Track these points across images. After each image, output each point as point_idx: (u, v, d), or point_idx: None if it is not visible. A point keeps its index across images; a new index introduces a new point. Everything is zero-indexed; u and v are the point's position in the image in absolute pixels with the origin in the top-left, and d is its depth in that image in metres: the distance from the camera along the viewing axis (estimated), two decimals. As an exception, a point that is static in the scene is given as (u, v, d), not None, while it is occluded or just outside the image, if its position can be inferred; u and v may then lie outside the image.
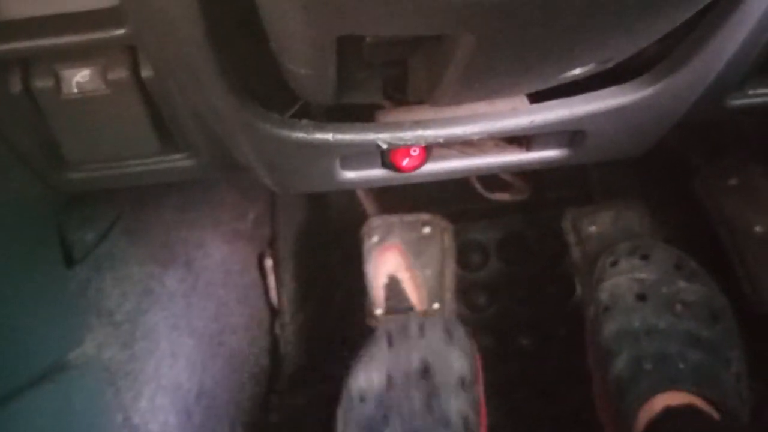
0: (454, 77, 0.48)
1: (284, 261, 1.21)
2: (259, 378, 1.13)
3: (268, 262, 1.20)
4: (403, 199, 1.14)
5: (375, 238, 1.01)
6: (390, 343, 0.92)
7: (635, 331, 0.85)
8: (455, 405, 0.86)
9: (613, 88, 0.61)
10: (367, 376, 0.89)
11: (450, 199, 1.17)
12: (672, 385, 0.79)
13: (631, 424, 0.80)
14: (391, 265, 1.00)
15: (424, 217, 1.03)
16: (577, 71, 0.52)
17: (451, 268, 1.03)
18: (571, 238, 1.05)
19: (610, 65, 0.54)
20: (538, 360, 1.21)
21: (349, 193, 1.22)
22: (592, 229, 1.03)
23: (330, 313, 1.20)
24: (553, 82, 0.56)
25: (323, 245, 1.25)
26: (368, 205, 1.14)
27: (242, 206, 1.21)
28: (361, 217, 1.11)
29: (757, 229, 1.04)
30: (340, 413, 0.88)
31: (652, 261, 0.91)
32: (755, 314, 0.95)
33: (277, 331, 1.19)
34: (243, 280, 1.16)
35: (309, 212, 1.27)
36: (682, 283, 0.88)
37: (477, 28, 0.38)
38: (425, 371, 0.88)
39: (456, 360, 0.90)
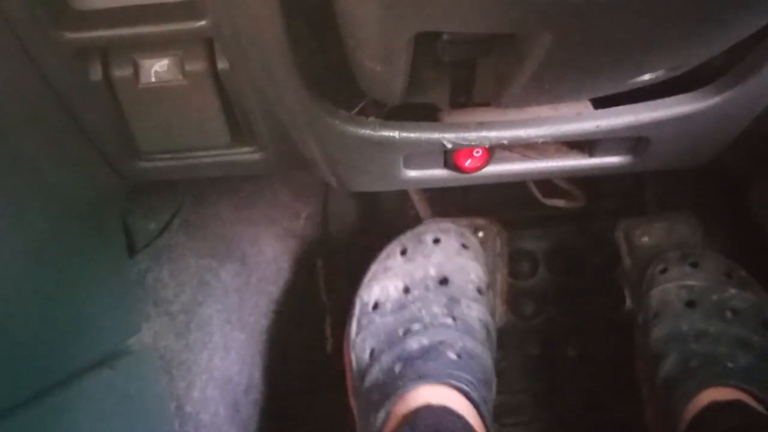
0: (525, 77, 0.49)
1: (335, 261, 1.22)
2: (306, 376, 1.15)
3: (319, 262, 1.21)
4: (454, 204, 1.15)
5: (429, 241, 1.02)
6: (404, 254, 0.91)
7: (684, 334, 0.84)
8: (476, 311, 0.86)
9: (680, 96, 0.61)
10: (383, 286, 0.88)
11: (500, 207, 1.17)
12: (720, 381, 0.78)
13: (677, 421, 0.79)
14: (444, 268, 1.00)
15: (478, 221, 1.03)
16: (646, 77, 0.53)
17: (503, 274, 1.03)
18: (623, 249, 1.05)
19: (679, 72, 0.54)
20: (584, 370, 1.21)
21: (399, 196, 1.23)
22: (645, 240, 1.02)
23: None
24: (621, 88, 0.56)
25: (373, 247, 1.26)
26: (422, 208, 1.14)
27: (295, 206, 1.22)
28: (411, 221, 1.12)
29: (815, 243, 1.03)
30: (353, 324, 0.87)
31: (702, 268, 0.91)
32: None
33: (326, 329, 1.20)
34: (294, 278, 1.17)
35: (360, 214, 1.29)
36: (732, 291, 0.88)
37: (558, 27, 0.39)
38: (443, 280, 0.88)
39: (472, 269, 0.90)
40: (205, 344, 0.94)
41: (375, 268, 0.91)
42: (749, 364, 0.80)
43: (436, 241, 0.92)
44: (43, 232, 0.69)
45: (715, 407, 0.77)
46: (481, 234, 1.02)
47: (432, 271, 0.88)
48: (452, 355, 0.80)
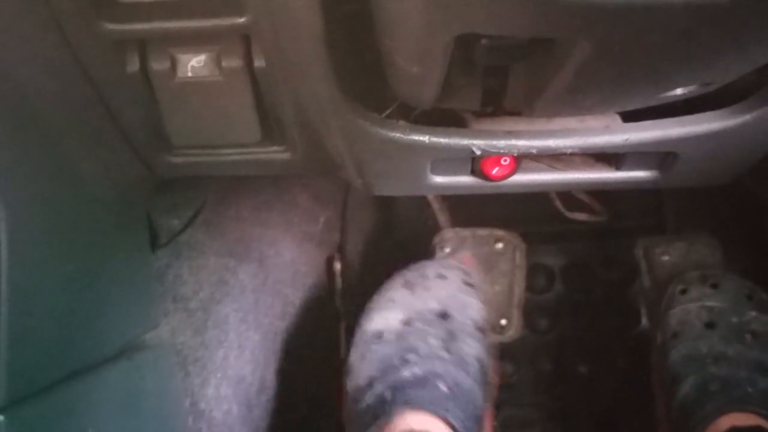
0: (560, 86, 0.49)
1: (352, 266, 1.23)
2: (319, 379, 1.15)
3: (336, 266, 1.21)
4: (473, 215, 1.15)
5: (447, 250, 1.02)
6: (407, 287, 0.91)
7: (703, 356, 0.84)
8: (473, 348, 0.86)
9: (710, 113, 0.61)
10: (384, 317, 0.88)
11: (518, 220, 1.17)
12: (739, 406, 0.78)
13: None
14: (461, 278, 1.00)
15: (498, 232, 1.04)
16: (678, 92, 0.53)
17: (520, 286, 1.03)
18: (643, 267, 1.04)
19: (710, 89, 0.54)
20: (595, 388, 1.20)
21: (418, 205, 1.23)
22: (665, 258, 1.02)
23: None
24: (652, 102, 0.57)
25: (390, 253, 1.26)
26: (441, 216, 1.15)
27: (314, 210, 1.23)
28: (429, 230, 1.12)
29: (833, 272, 1.02)
30: (354, 353, 0.88)
31: (723, 290, 0.91)
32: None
33: (340, 334, 1.20)
34: (310, 282, 1.18)
35: (378, 220, 1.29)
36: (752, 314, 0.87)
37: (596, 34, 0.39)
38: (443, 315, 0.88)
39: (472, 307, 0.90)
40: (221, 342, 0.95)
41: (377, 298, 0.91)
42: None
43: (440, 276, 0.92)
44: (70, 222, 0.70)
45: None
46: (500, 245, 1.03)
47: (433, 305, 0.89)
48: (443, 387, 0.80)
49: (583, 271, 1.24)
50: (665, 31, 0.38)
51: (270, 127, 0.66)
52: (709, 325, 0.88)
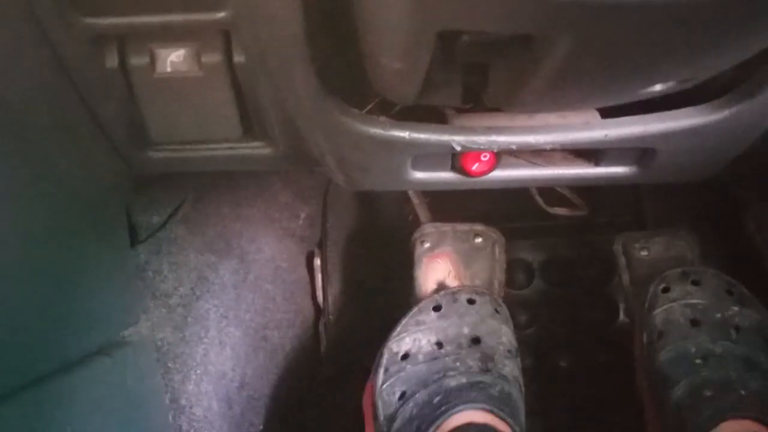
0: (540, 82, 0.49)
1: (332, 262, 1.23)
2: (299, 375, 1.15)
3: (317, 262, 1.21)
4: (453, 211, 1.15)
5: (427, 245, 1.02)
6: (438, 311, 0.91)
7: (692, 356, 0.85)
8: (509, 368, 0.86)
9: (688, 109, 0.62)
10: (415, 338, 0.88)
11: (498, 216, 1.17)
12: (735, 413, 0.78)
13: None
14: (441, 272, 1.00)
15: (477, 227, 1.04)
16: (657, 88, 0.53)
17: (500, 281, 1.04)
18: (622, 262, 1.05)
19: (689, 85, 0.55)
20: (575, 383, 1.21)
21: (398, 200, 1.23)
22: (644, 254, 1.03)
23: (374, 317, 1.21)
24: (631, 98, 0.57)
25: (371, 249, 1.26)
26: (422, 212, 1.15)
27: (295, 206, 1.23)
28: (410, 225, 1.12)
29: (808, 268, 1.03)
30: (380, 373, 0.86)
31: (704, 286, 0.91)
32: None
33: (321, 330, 1.20)
34: (291, 278, 1.17)
35: (359, 216, 1.29)
36: (735, 308, 0.88)
37: (578, 30, 0.39)
38: (476, 340, 0.88)
39: (503, 332, 0.90)
40: (201, 338, 0.94)
41: (406, 321, 0.90)
42: (760, 389, 0.80)
43: (471, 301, 0.92)
44: (48, 219, 0.70)
45: None
46: (480, 240, 1.03)
47: (466, 330, 0.89)
48: (494, 392, 0.81)
49: (562, 266, 1.24)
50: (646, 28, 0.38)
51: (250, 123, 0.66)
52: (695, 323, 0.88)
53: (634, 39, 0.40)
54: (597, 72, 0.48)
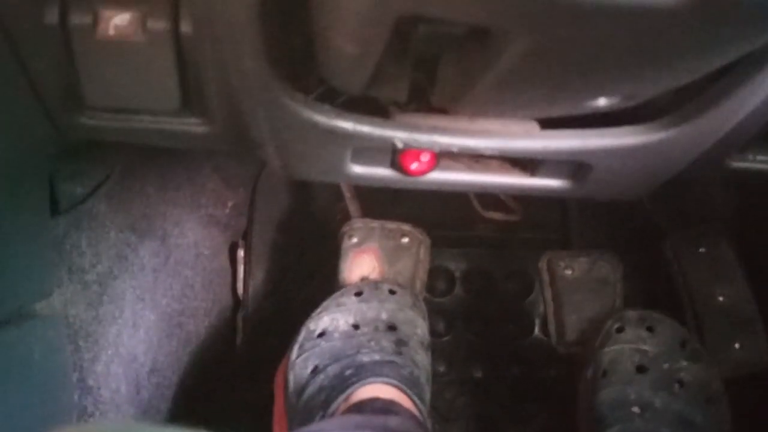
0: (489, 83, 0.50)
1: (256, 253, 1.21)
2: (211, 366, 1.12)
3: (240, 253, 1.19)
4: (385, 210, 1.15)
5: (354, 240, 1.03)
6: (359, 296, 0.92)
7: (630, 403, 0.85)
8: (421, 357, 0.88)
9: (629, 127, 0.63)
10: (333, 318, 0.89)
11: (427, 221, 1.18)
12: None
13: None
14: (366, 268, 1.01)
15: (405, 227, 1.05)
16: (602, 102, 0.54)
17: (422, 281, 1.05)
18: (545, 279, 1.07)
19: (632, 103, 0.56)
20: (486, 394, 1.22)
21: (331, 195, 1.23)
22: (567, 273, 1.05)
23: (293, 311, 1.19)
24: (574, 110, 0.58)
25: (297, 243, 1.25)
26: (352, 206, 1.14)
27: (223, 194, 1.21)
28: (339, 220, 1.12)
29: (720, 298, 1.07)
30: (295, 348, 0.87)
31: (658, 334, 0.92)
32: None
33: (238, 322, 1.18)
34: (212, 266, 1.15)
35: (288, 209, 1.28)
36: (683, 363, 0.89)
37: (535, 29, 0.39)
38: (392, 327, 0.89)
39: (420, 325, 0.93)
40: (115, 319, 0.91)
41: (326, 303, 0.92)
42: None
43: (392, 292, 0.94)
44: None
45: None
46: (406, 240, 1.04)
47: (384, 316, 0.90)
48: (404, 372, 0.82)
49: (483, 278, 1.26)
50: (602, 34, 0.39)
51: (190, 97, 0.64)
52: (640, 369, 0.89)
53: (588, 46, 0.41)
54: (546, 78, 0.48)
